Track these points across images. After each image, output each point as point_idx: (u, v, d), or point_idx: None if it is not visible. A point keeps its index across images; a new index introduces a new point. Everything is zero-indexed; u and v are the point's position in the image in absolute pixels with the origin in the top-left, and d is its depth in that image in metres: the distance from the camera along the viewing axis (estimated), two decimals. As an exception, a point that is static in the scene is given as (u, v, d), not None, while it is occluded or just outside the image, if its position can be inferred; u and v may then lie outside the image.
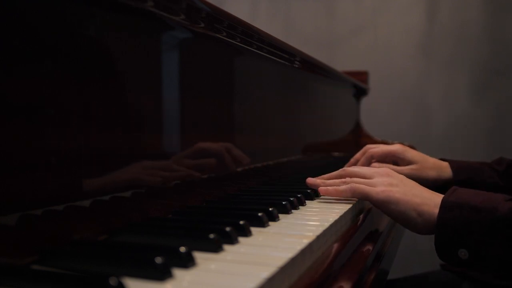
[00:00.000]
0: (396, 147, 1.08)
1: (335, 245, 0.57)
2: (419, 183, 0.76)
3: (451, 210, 0.65)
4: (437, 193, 0.72)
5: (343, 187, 0.74)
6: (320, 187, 0.77)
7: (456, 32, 2.22)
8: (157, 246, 0.45)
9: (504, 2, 2.17)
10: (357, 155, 1.13)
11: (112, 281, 0.34)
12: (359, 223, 0.71)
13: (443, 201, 0.67)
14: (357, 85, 1.80)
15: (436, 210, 0.67)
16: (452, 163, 1.08)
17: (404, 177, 0.76)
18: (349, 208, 0.70)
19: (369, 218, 0.76)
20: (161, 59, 0.65)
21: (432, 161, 1.07)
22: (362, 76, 1.92)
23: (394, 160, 1.09)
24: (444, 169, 1.07)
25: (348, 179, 0.77)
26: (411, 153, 1.07)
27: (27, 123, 0.44)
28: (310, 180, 0.81)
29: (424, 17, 2.27)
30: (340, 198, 0.77)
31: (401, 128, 2.25)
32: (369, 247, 0.66)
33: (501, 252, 0.62)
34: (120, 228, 0.54)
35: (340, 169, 0.82)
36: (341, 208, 0.69)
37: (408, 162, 1.06)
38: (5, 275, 0.38)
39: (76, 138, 0.49)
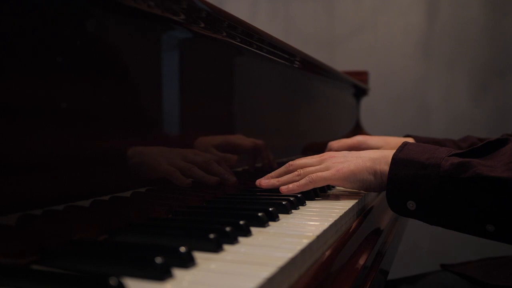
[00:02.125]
0: (357, 138, 1.11)
1: (335, 245, 0.57)
2: None
3: (400, 166, 0.70)
4: (386, 151, 0.76)
5: (302, 181, 0.76)
6: (282, 187, 0.77)
7: (456, 32, 2.21)
8: (157, 246, 0.45)
9: (504, 2, 2.17)
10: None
11: (112, 281, 0.34)
12: (359, 223, 0.71)
13: (393, 157, 0.72)
14: (357, 85, 1.80)
15: (386, 167, 0.73)
16: (416, 139, 1.14)
17: (347, 152, 0.81)
18: (349, 208, 0.70)
19: (369, 218, 0.76)
20: (160, 59, 0.65)
21: (394, 140, 1.12)
22: (362, 76, 1.91)
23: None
24: None
25: (300, 171, 0.79)
26: (373, 140, 1.11)
27: (27, 123, 0.44)
28: (264, 182, 0.80)
29: (424, 17, 2.27)
30: (338, 197, 0.78)
31: (401, 128, 2.24)
32: (369, 247, 0.66)
33: (444, 205, 0.67)
34: (120, 228, 0.54)
35: (286, 164, 0.82)
36: (341, 208, 0.69)
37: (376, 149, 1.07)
38: (5, 275, 0.38)
39: (76, 138, 0.49)
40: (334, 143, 1.11)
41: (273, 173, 0.82)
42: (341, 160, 0.77)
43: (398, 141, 1.11)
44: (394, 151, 0.73)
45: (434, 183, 0.67)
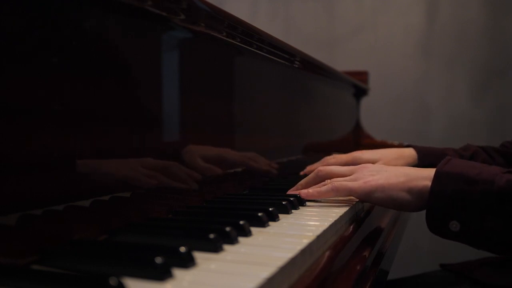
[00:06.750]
0: (353, 155, 1.05)
1: (335, 245, 0.57)
2: None
3: (446, 181, 0.64)
4: (421, 168, 0.70)
5: (325, 187, 0.72)
6: (302, 191, 0.74)
7: (456, 32, 2.22)
8: (157, 246, 0.45)
9: (504, 2, 2.17)
10: (315, 165, 1.10)
11: (112, 281, 0.34)
12: (359, 223, 0.71)
13: (437, 171, 0.65)
14: (357, 85, 1.80)
15: (425, 183, 0.66)
16: (417, 149, 1.10)
17: (382, 165, 0.75)
18: (349, 208, 0.70)
19: (369, 218, 0.76)
20: (160, 59, 0.65)
21: (394, 151, 1.08)
22: (362, 76, 1.91)
23: None
24: (407, 153, 1.08)
25: (328, 181, 0.74)
26: (368, 154, 1.05)
27: (27, 123, 0.44)
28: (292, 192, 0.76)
29: (424, 17, 2.27)
30: (338, 198, 0.77)
31: (401, 128, 2.25)
32: (369, 247, 0.66)
33: (494, 226, 0.61)
34: (120, 228, 0.54)
35: (315, 170, 0.79)
36: (341, 208, 0.69)
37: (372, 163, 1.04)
38: (5, 275, 0.38)
39: (76, 138, 0.49)
40: (329, 158, 1.08)
41: (302, 181, 0.79)
42: (371, 173, 0.72)
43: (397, 150, 1.07)
44: (431, 169, 0.67)
45: (486, 201, 0.61)
